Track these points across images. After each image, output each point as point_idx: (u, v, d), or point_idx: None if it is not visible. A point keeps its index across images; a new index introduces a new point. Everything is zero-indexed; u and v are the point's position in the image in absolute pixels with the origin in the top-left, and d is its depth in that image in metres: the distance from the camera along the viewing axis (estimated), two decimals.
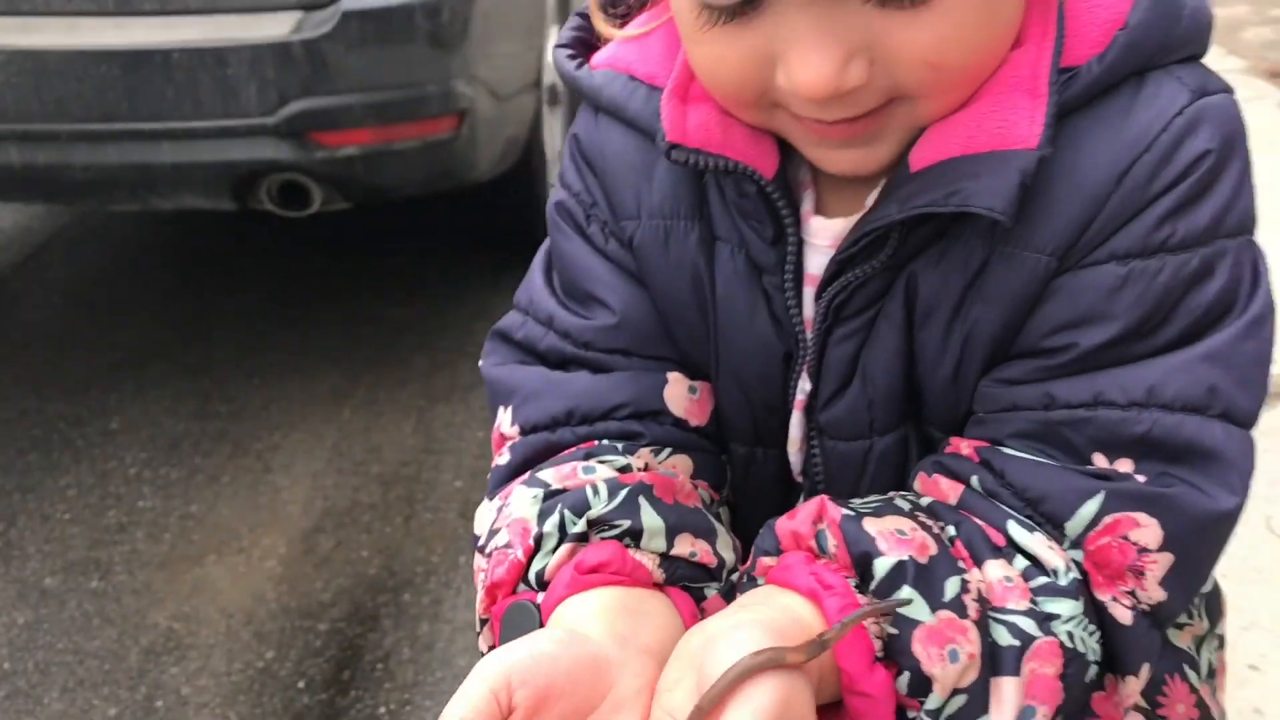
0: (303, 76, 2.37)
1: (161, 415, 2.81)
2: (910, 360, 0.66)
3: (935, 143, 0.61)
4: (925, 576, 0.56)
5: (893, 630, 0.55)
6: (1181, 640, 0.76)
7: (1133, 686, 0.62)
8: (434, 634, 2.16)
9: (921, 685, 0.55)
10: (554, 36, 3.32)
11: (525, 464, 0.72)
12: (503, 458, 0.74)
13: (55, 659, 2.11)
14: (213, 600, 2.25)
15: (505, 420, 0.75)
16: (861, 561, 0.57)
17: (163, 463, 2.64)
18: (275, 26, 2.37)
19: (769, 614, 0.55)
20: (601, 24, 0.74)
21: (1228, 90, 0.65)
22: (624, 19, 0.74)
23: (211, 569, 2.33)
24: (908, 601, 0.55)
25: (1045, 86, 0.59)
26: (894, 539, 0.57)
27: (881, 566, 0.56)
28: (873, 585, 0.56)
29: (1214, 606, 0.80)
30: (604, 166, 0.74)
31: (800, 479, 0.73)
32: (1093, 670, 0.60)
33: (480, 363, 0.80)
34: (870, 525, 0.58)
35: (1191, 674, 0.76)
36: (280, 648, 2.14)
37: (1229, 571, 1.94)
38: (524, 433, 0.73)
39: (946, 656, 0.55)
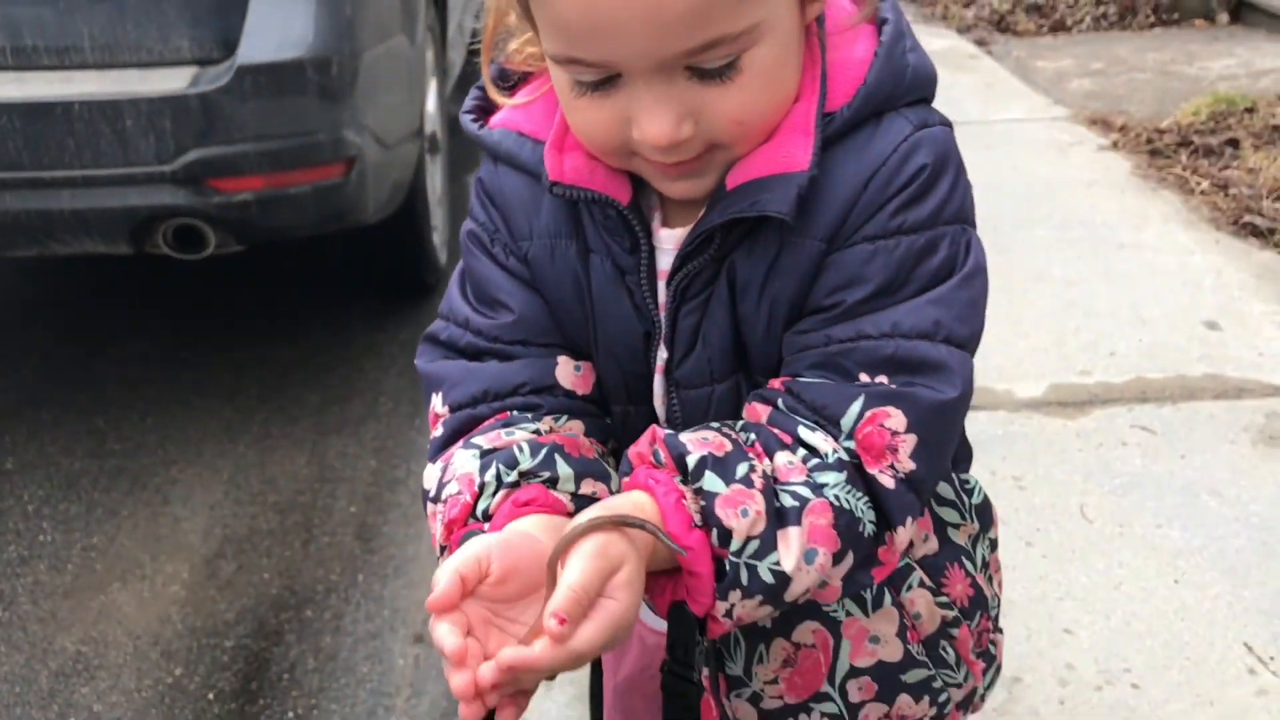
0: (199, 127, 2.51)
1: (57, 455, 2.89)
2: (736, 326, 0.89)
3: (742, 170, 0.84)
4: (721, 464, 0.78)
5: (702, 503, 0.77)
6: (959, 538, 1.01)
7: (902, 536, 0.84)
8: (336, 645, 2.30)
9: (725, 537, 0.77)
10: (433, 89, 3.52)
11: (455, 434, 0.92)
12: (438, 431, 0.94)
13: None
14: (119, 624, 2.35)
15: (437, 402, 0.95)
16: (680, 461, 0.79)
17: (61, 499, 2.73)
18: (172, 81, 2.51)
19: (616, 503, 0.77)
20: (495, 94, 0.96)
21: (945, 124, 0.89)
22: (512, 89, 0.97)
23: (116, 596, 2.43)
24: (642, 525, 0.75)
25: (813, 128, 0.83)
26: (700, 443, 0.80)
27: (691, 461, 0.78)
28: (688, 475, 0.78)
29: (984, 515, 1.05)
30: (503, 201, 0.96)
31: (665, 425, 0.94)
32: (867, 526, 0.81)
33: (415, 361, 1.01)
34: (685, 437, 0.81)
35: (968, 563, 1.01)
36: (188, 664, 2.25)
37: (1049, 552, 2.22)
38: (452, 410, 0.94)
39: (739, 514, 0.77)
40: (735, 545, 0.77)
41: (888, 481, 0.82)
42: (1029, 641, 2.02)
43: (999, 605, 1.09)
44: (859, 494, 0.81)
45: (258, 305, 3.66)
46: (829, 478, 0.80)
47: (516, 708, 0.73)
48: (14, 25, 2.49)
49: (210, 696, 2.17)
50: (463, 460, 0.87)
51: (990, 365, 2.94)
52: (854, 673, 0.98)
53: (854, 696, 0.99)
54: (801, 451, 0.82)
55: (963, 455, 1.04)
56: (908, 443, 0.82)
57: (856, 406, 0.82)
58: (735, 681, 0.99)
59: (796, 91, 0.85)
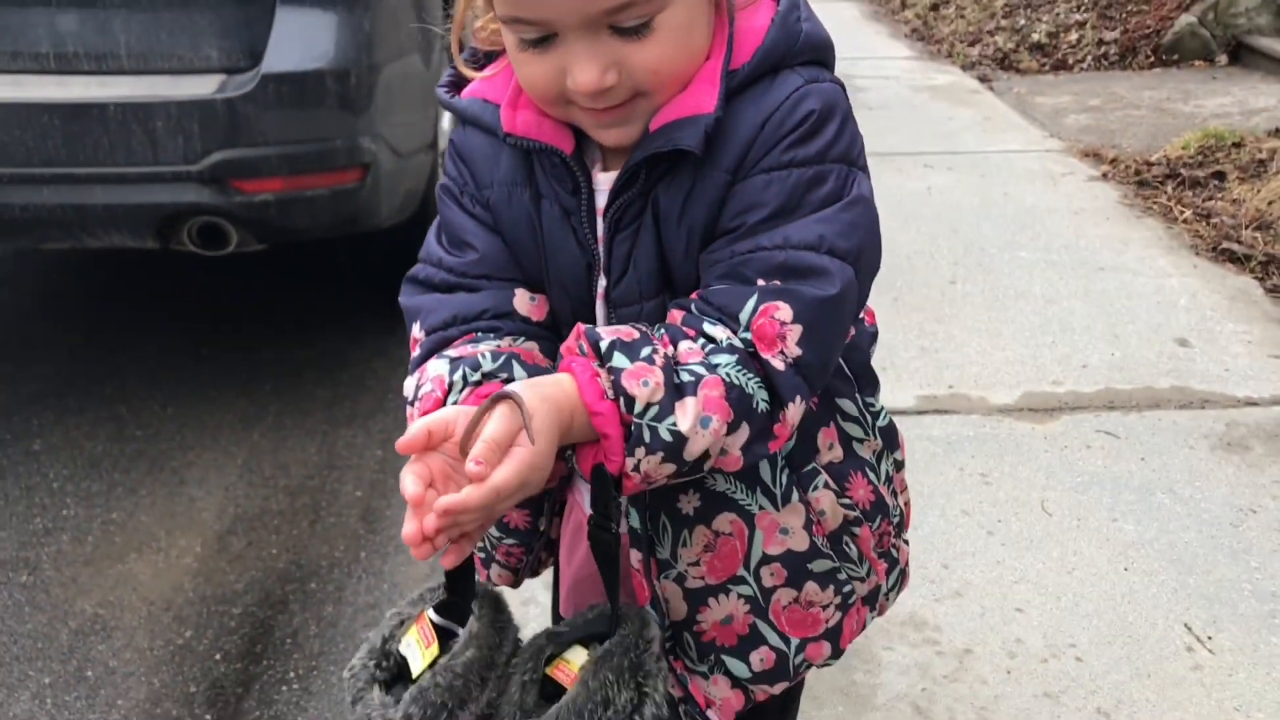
0: (224, 130, 2.70)
1: (81, 438, 3.06)
2: (661, 251, 1.05)
3: (660, 116, 1.01)
4: (628, 347, 0.94)
5: (612, 378, 0.93)
6: (863, 451, 1.18)
7: (791, 413, 0.99)
8: (338, 614, 2.45)
9: (629, 404, 0.92)
10: None
11: (430, 353, 1.08)
12: (416, 352, 1.10)
13: None
14: (135, 591, 2.51)
15: (415, 329, 1.11)
16: (595, 346, 0.95)
17: (84, 478, 2.89)
18: (201, 86, 2.70)
19: (540, 382, 0.93)
20: (465, 70, 1.14)
21: (837, 83, 1.05)
22: (480, 66, 1.14)
23: (133, 565, 2.59)
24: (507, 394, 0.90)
25: (719, 80, 1.00)
26: (613, 332, 0.96)
27: (603, 345, 0.94)
28: (601, 357, 0.94)
29: (889, 436, 1.21)
30: (469, 157, 1.13)
31: None
32: (760, 404, 0.96)
33: (399, 299, 1.17)
34: (601, 329, 0.97)
35: (870, 474, 1.17)
36: (198, 628, 2.40)
37: (1008, 540, 2.36)
38: (427, 334, 1.10)
39: (640, 385, 0.93)
40: (638, 409, 0.92)
41: (779, 364, 0.97)
42: (982, 618, 2.16)
43: (902, 517, 1.25)
44: (750, 374, 0.96)
45: (274, 306, 3.84)
46: (722, 359, 0.96)
47: (459, 552, 0.89)
48: (57, 33, 2.68)
49: (217, 657, 2.32)
50: (435, 366, 1.03)
51: (967, 374, 3.09)
52: (766, 559, 1.13)
53: (766, 581, 1.14)
54: (702, 340, 0.98)
55: (869, 383, 1.20)
56: (794, 331, 0.97)
57: (751, 303, 0.97)
58: (663, 565, 1.14)
59: (707, 51, 1.01)
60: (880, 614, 1.26)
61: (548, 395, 0.91)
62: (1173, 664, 2.05)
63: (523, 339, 1.09)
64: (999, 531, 2.42)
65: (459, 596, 1.00)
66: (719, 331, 0.97)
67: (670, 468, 0.95)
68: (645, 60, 0.96)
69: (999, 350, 3.22)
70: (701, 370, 0.95)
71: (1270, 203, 4.12)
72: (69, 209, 2.74)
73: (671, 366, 0.95)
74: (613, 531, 0.98)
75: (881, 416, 1.20)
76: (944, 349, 3.22)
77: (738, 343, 0.97)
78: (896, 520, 1.23)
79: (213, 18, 2.71)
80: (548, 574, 1.35)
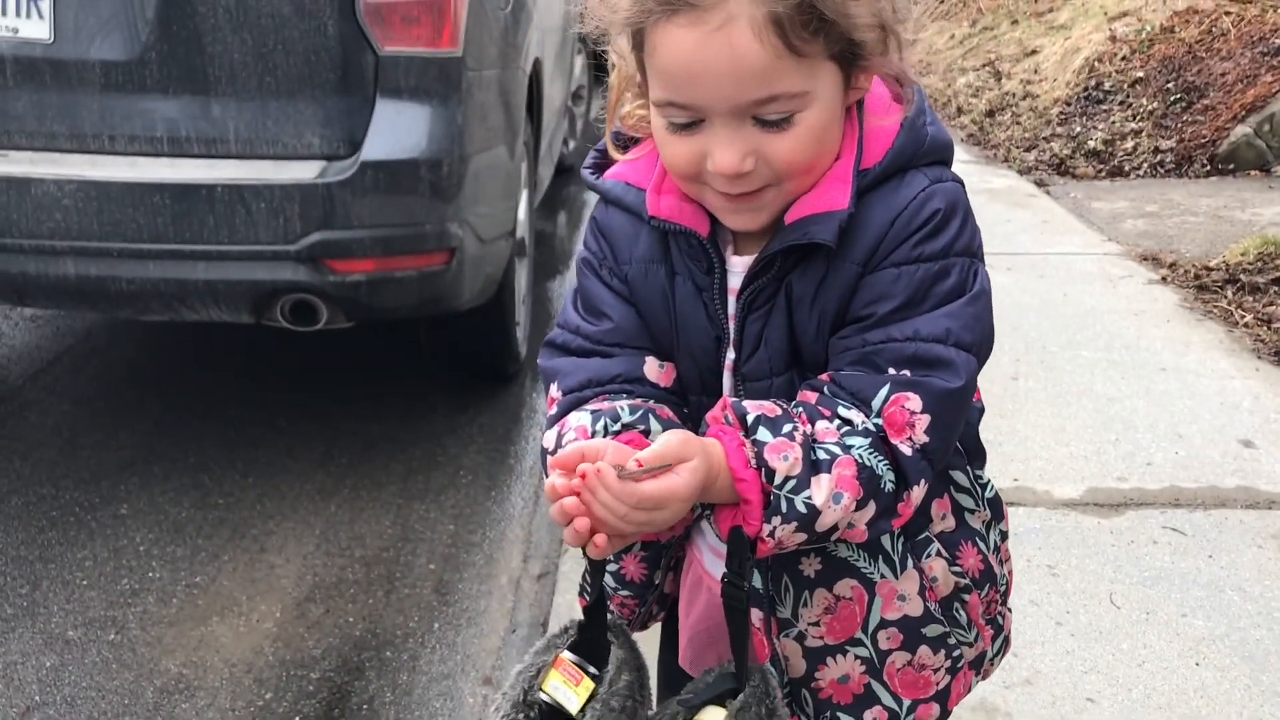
0: (323, 212, 2.84)
1: (166, 504, 3.17)
2: (792, 331, 1.13)
3: (796, 210, 1.10)
4: (772, 422, 1.04)
5: (756, 450, 1.02)
6: (973, 522, 1.25)
7: (915, 494, 1.07)
8: (412, 683, 2.51)
9: (770, 475, 1.01)
10: (524, 199, 3.86)
11: (566, 410, 1.18)
12: (553, 410, 1.20)
13: (80, 694, 2.42)
14: (217, 652, 2.58)
15: (554, 389, 1.21)
16: (741, 419, 1.04)
17: (169, 542, 2.99)
18: (303, 171, 2.86)
19: (693, 440, 1.02)
20: (614, 151, 1.25)
21: (958, 181, 1.14)
22: (625, 148, 1.24)
23: (215, 628, 2.67)
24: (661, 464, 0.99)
25: (852, 179, 1.09)
26: (757, 407, 1.05)
27: (749, 418, 1.04)
28: (747, 429, 1.03)
29: (996, 507, 1.28)
30: (611, 234, 1.23)
31: None
32: (886, 483, 1.04)
33: (538, 361, 1.27)
34: (747, 403, 1.06)
35: (980, 543, 1.24)
36: (278, 691, 2.47)
37: (1077, 631, 2.37)
38: (564, 394, 1.20)
39: (782, 458, 1.01)
40: (778, 480, 1.01)
41: (906, 450, 1.05)
42: (1053, 707, 2.18)
43: (1007, 586, 1.31)
44: (881, 457, 1.05)
45: (351, 383, 3.97)
46: (856, 441, 1.04)
47: (603, 546, 0.99)
48: (172, 120, 2.86)
49: (297, 719, 2.38)
50: (577, 418, 1.13)
51: (1032, 468, 3.13)
52: (884, 624, 1.20)
53: (883, 644, 1.20)
54: (837, 421, 1.06)
55: (978, 456, 1.27)
56: (923, 421, 1.06)
57: (884, 391, 1.06)
58: (784, 624, 1.21)
59: (838, 150, 1.11)
60: (984, 678, 1.32)
61: (703, 446, 1.00)
62: None
63: (652, 402, 1.18)
64: (1067, 622, 2.45)
65: (594, 633, 1.08)
66: (854, 415, 1.06)
67: (802, 536, 1.04)
68: (782, 151, 1.06)
69: (1062, 446, 3.25)
70: (837, 450, 1.04)
71: None
72: (172, 283, 2.88)
73: (810, 444, 1.03)
74: (744, 589, 1.06)
75: (989, 488, 1.27)
76: (1007, 443, 3.26)
77: (870, 427, 1.05)
78: (1003, 589, 1.29)
79: (316, 108, 2.88)
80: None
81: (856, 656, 1.20)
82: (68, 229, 2.81)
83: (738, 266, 1.16)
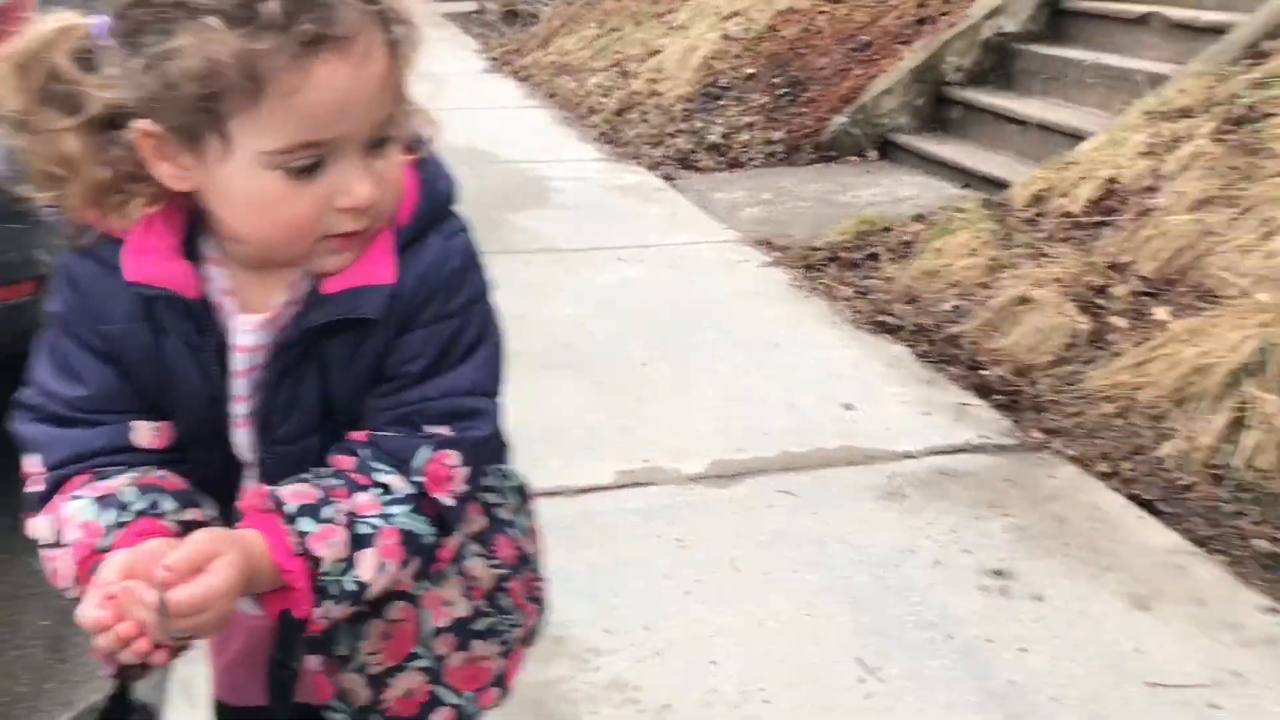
0: None
1: None
2: (325, 394, 1.12)
3: (340, 280, 1.06)
4: (313, 509, 1.04)
5: (300, 539, 1.02)
6: (503, 514, 1.32)
7: (455, 539, 1.16)
8: None
9: (316, 562, 1.02)
10: None
11: (52, 490, 1.09)
12: (38, 486, 1.10)
13: None
14: None
15: (34, 462, 1.11)
16: (280, 510, 1.03)
17: None
18: None
19: (233, 533, 1.01)
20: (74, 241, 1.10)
21: (464, 229, 1.15)
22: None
23: None
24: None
25: (393, 248, 1.08)
26: (294, 495, 1.05)
27: (289, 510, 1.03)
28: (289, 519, 1.03)
29: (521, 494, 1.36)
30: (84, 288, 1.08)
31: (251, 469, 1.16)
32: (428, 540, 1.09)
33: (13, 424, 1.14)
34: (283, 491, 1.05)
35: (512, 531, 1.32)
36: None
37: (705, 599, 2.49)
38: (48, 470, 1.10)
39: (327, 545, 1.03)
40: (325, 567, 1.03)
41: (448, 501, 1.11)
42: (683, 674, 2.31)
43: (539, 560, 1.39)
44: (421, 517, 1.09)
45: None
46: (397, 510, 1.08)
47: (165, 655, 0.95)
48: None
49: None
50: (75, 509, 1.05)
51: (664, 447, 3.29)
52: (437, 632, 1.25)
53: (440, 650, 1.26)
54: (377, 489, 1.08)
55: (502, 454, 1.32)
56: (462, 473, 1.12)
57: (424, 452, 1.10)
58: (343, 661, 1.23)
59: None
60: (530, 646, 1.40)
61: (237, 539, 0.99)
62: (847, 696, 2.25)
63: (148, 469, 1.11)
64: (696, 591, 2.59)
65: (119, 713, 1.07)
66: (393, 480, 1.08)
67: (351, 609, 1.07)
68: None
69: (689, 424, 3.44)
70: (379, 522, 1.06)
71: (916, 279, 4.63)
72: None
73: (352, 521, 1.05)
74: (293, 669, 1.08)
75: (513, 479, 1.35)
76: (640, 427, 3.41)
77: (410, 489, 1.08)
78: (537, 566, 1.38)
79: None
80: None
81: (417, 669, 1.25)
82: None
83: (247, 324, 1.10)
